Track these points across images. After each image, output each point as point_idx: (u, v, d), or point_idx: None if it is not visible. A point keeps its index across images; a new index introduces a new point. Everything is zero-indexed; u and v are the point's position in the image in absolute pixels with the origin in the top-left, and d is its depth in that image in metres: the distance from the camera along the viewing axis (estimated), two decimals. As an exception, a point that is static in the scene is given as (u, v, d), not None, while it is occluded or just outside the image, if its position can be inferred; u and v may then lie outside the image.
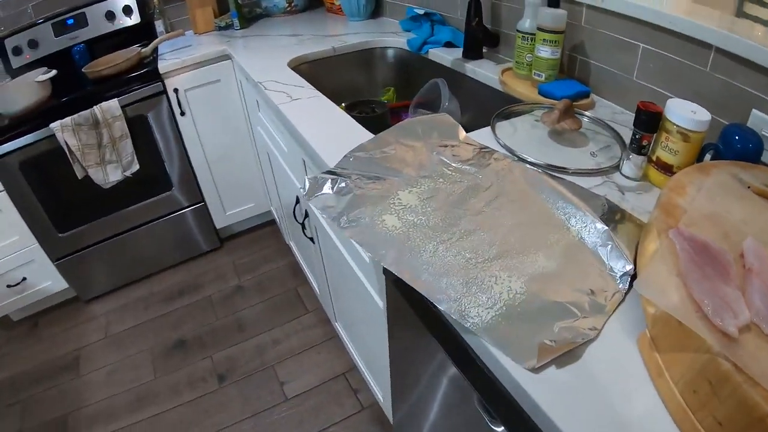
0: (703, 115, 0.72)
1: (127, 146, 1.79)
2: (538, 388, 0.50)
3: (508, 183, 0.80)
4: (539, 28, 1.07)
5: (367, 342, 1.28)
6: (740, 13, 0.90)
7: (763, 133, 0.76)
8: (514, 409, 0.53)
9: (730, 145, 0.73)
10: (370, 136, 0.97)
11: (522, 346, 0.54)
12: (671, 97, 0.88)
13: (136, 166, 1.84)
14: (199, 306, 1.98)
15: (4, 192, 1.78)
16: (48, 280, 2.06)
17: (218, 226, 2.19)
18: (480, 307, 0.59)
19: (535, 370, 0.51)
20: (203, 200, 2.09)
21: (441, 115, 1.00)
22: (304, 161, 1.18)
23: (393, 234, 0.71)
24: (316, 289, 1.75)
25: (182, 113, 1.84)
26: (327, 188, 0.80)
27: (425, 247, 0.68)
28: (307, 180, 0.82)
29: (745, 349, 0.41)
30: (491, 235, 0.70)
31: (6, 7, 2.00)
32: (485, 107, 1.22)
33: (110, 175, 1.81)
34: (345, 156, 0.88)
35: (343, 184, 0.80)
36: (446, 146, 0.90)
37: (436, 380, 0.82)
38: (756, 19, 0.85)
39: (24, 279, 2.03)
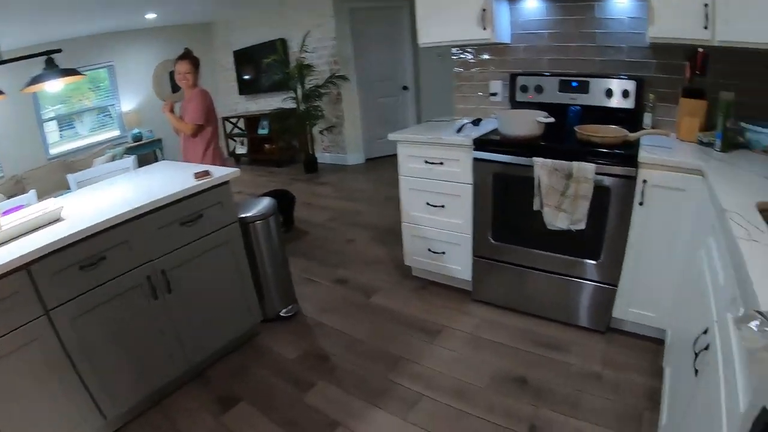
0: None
1: (584, 206, 1.98)
2: None
3: None
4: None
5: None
6: None
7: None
8: None
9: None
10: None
11: None
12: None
13: (582, 225, 2.01)
14: (555, 364, 2.06)
15: (472, 186, 2.32)
16: (459, 265, 2.57)
17: (614, 315, 2.16)
18: None
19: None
20: (616, 286, 2.10)
21: None
22: (734, 299, 1.11)
23: None
24: (663, 419, 1.60)
25: (641, 203, 1.91)
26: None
27: None
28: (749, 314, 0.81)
29: None
30: None
31: (529, 51, 2.61)
32: None
33: (558, 221, 2.05)
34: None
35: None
36: None
37: None
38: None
39: (443, 252, 2.60)
